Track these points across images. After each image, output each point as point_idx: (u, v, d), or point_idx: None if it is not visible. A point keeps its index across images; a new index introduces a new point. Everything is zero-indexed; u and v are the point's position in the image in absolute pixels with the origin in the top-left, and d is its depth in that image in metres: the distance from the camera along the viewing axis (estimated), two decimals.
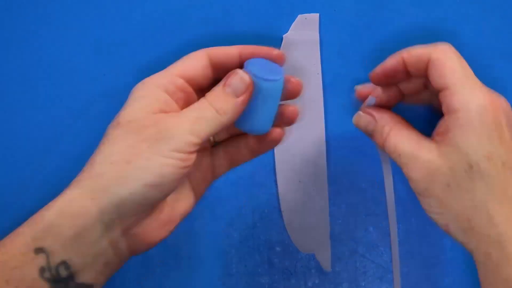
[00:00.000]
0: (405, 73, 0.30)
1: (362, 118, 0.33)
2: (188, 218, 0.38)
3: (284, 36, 0.40)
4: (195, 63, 0.30)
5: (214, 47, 0.30)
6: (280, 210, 0.38)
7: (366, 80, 0.39)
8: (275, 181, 0.38)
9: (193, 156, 0.27)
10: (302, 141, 0.39)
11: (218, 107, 0.28)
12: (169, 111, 0.28)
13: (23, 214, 0.37)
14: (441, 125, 0.29)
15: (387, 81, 0.32)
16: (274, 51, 0.30)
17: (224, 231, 0.38)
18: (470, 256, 0.38)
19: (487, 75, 0.40)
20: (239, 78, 0.29)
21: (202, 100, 0.28)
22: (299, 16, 0.40)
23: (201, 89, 0.30)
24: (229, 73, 0.29)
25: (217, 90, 0.29)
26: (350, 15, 0.40)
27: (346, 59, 0.40)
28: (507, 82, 0.40)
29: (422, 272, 0.38)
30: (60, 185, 0.38)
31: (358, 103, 0.35)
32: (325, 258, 0.37)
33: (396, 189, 0.39)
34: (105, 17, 0.40)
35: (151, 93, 0.28)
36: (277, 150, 0.38)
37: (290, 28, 0.40)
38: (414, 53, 0.29)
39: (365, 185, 0.39)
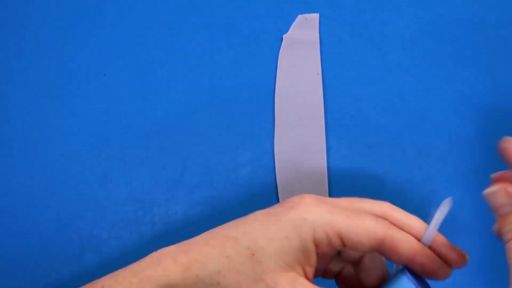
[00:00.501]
0: None
1: (495, 196, 0.26)
2: (188, 218, 0.38)
3: (284, 36, 0.40)
4: (361, 240, 0.25)
5: (392, 235, 0.25)
6: None
7: (366, 80, 0.39)
8: (275, 181, 0.38)
9: None
10: (302, 141, 0.39)
11: None
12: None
13: (23, 214, 0.37)
14: None
15: None
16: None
17: None
18: (471, 257, 0.38)
19: (486, 75, 0.40)
20: None
21: None
22: (299, 16, 0.40)
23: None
24: None
25: None
26: (350, 15, 0.40)
27: (346, 59, 0.40)
28: (506, 80, 0.40)
29: None
30: (60, 185, 0.38)
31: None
32: None
33: (396, 189, 0.39)
34: (105, 17, 0.40)
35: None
36: (277, 150, 0.38)
37: (290, 28, 0.40)
38: None
39: (365, 185, 0.39)
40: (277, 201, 0.38)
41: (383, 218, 0.27)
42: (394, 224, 0.26)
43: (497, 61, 0.40)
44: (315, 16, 0.40)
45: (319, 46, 0.40)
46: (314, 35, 0.40)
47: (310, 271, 0.25)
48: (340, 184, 0.39)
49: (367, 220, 0.25)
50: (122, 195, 0.38)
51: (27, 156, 0.38)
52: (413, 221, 0.27)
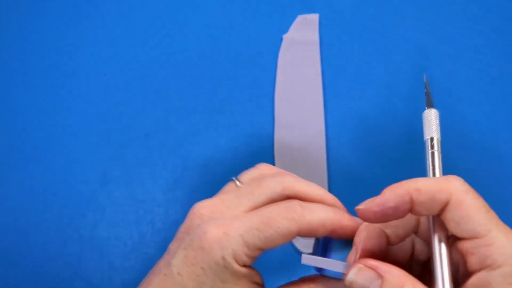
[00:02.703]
0: (406, 212, 0.25)
1: (361, 274, 0.24)
2: None
3: (284, 36, 0.40)
4: (281, 240, 0.26)
5: (306, 223, 0.26)
6: None
7: (366, 80, 0.40)
8: None
9: None
10: (302, 140, 0.39)
11: None
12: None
13: (23, 214, 0.37)
14: (474, 283, 0.23)
15: (384, 219, 0.25)
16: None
17: None
18: None
19: (486, 74, 0.40)
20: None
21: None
22: (299, 16, 0.40)
23: None
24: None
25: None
26: (350, 15, 0.40)
27: (346, 59, 0.40)
28: (506, 80, 0.40)
29: None
30: (60, 185, 0.38)
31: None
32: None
33: None
34: (105, 17, 0.40)
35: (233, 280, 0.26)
36: (277, 150, 0.38)
37: (290, 28, 0.40)
38: (426, 191, 0.24)
39: (365, 185, 0.39)
40: None
41: (291, 196, 0.28)
42: (300, 197, 0.28)
43: (497, 61, 0.40)
44: (315, 16, 0.40)
45: (319, 46, 0.40)
46: (314, 35, 0.40)
47: (257, 280, 0.27)
48: (340, 184, 0.39)
49: (278, 222, 0.26)
50: (122, 195, 0.38)
51: (27, 156, 0.38)
52: (316, 190, 0.29)
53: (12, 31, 0.40)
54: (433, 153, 0.28)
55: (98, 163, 0.38)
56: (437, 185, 0.24)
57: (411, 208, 0.24)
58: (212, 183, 0.38)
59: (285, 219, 0.25)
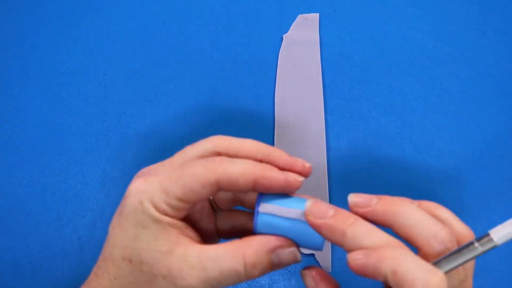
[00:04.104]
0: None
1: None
2: None
3: (284, 36, 0.40)
4: (200, 189, 0.26)
5: (223, 171, 0.26)
6: None
7: (366, 80, 0.39)
8: None
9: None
10: (302, 140, 0.39)
11: (249, 263, 0.25)
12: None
13: (23, 214, 0.37)
14: None
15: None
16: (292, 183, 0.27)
17: None
18: None
19: (486, 74, 0.40)
20: (292, 257, 0.26)
21: (237, 249, 0.26)
22: (299, 16, 0.40)
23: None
24: (279, 243, 0.26)
25: (260, 252, 0.26)
26: (350, 15, 0.40)
27: (346, 59, 0.40)
28: (506, 80, 0.40)
29: None
30: (59, 185, 0.38)
31: None
32: (325, 258, 0.37)
33: (396, 189, 0.39)
34: (105, 18, 0.40)
35: (154, 226, 0.26)
36: None
37: (290, 28, 0.40)
38: (399, 279, 0.22)
39: (365, 185, 0.39)
40: None
41: (223, 153, 0.28)
42: (231, 153, 0.28)
43: (497, 61, 0.40)
44: (315, 16, 0.40)
45: (319, 46, 0.40)
46: (314, 35, 0.40)
47: (191, 234, 0.27)
48: (340, 184, 0.39)
49: (194, 168, 0.26)
50: (122, 195, 0.38)
51: (27, 156, 0.38)
52: (248, 143, 0.28)
53: (12, 31, 0.40)
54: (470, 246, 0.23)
55: (98, 163, 0.38)
56: (412, 275, 0.22)
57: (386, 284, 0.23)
58: None
59: (202, 167, 0.26)
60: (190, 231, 0.26)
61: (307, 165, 0.27)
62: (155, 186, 0.25)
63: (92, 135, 0.38)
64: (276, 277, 0.37)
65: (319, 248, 0.26)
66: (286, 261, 0.26)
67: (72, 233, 0.37)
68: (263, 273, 0.26)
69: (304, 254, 0.38)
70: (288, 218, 0.26)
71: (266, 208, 0.26)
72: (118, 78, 0.39)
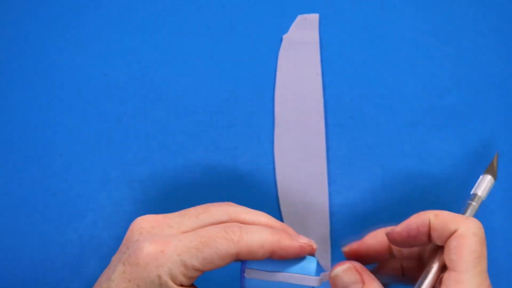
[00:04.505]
0: (426, 235, 0.27)
1: (347, 273, 0.27)
2: None
3: (284, 36, 0.40)
4: (220, 262, 0.26)
5: (244, 244, 0.26)
6: (280, 210, 0.38)
7: (366, 80, 0.40)
8: (275, 181, 0.38)
9: None
10: (302, 141, 0.39)
11: None
12: None
13: (23, 214, 0.37)
14: None
15: (408, 242, 0.27)
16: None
17: None
18: None
19: (486, 74, 0.40)
20: None
21: None
22: (299, 16, 0.40)
23: None
24: None
25: None
26: (350, 15, 0.40)
27: (346, 59, 0.40)
28: (506, 80, 0.40)
29: None
30: (59, 185, 0.38)
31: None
32: (325, 258, 0.37)
33: (396, 189, 0.39)
34: (105, 18, 0.40)
35: None
36: (277, 150, 0.38)
37: (290, 28, 0.40)
38: (442, 218, 0.26)
39: (365, 185, 0.39)
40: (277, 201, 0.38)
41: (233, 221, 0.28)
42: (244, 222, 0.28)
43: (497, 61, 0.40)
44: (315, 16, 0.40)
45: (319, 46, 0.40)
46: (314, 35, 0.40)
47: None
48: (340, 184, 0.39)
49: (217, 242, 0.26)
50: (122, 195, 0.38)
51: (27, 156, 0.38)
52: (262, 218, 0.29)
53: (11, 30, 0.40)
54: (470, 204, 0.32)
55: (98, 163, 0.38)
56: (453, 216, 0.26)
57: (428, 231, 0.26)
58: (212, 183, 0.38)
59: (224, 239, 0.26)
60: None
61: (314, 246, 0.28)
62: (174, 259, 0.25)
63: (92, 135, 0.38)
64: None
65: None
66: None
67: (73, 233, 0.37)
68: None
69: None
70: (274, 282, 0.27)
71: (252, 273, 0.27)
72: (119, 78, 0.39)
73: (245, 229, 0.27)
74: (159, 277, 0.25)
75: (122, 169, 0.38)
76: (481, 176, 0.33)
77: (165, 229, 0.27)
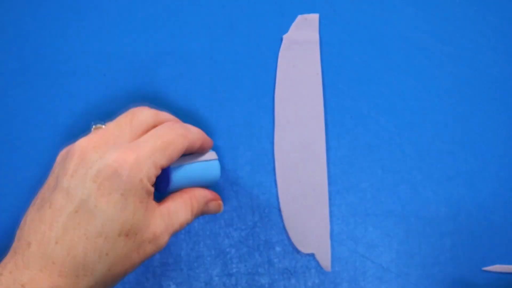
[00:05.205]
0: None
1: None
2: None
3: (284, 36, 0.40)
4: (176, 155, 0.29)
5: (191, 138, 0.30)
6: (280, 210, 0.38)
7: (366, 80, 0.40)
8: (275, 181, 0.38)
9: None
10: (302, 141, 0.39)
11: (194, 213, 0.31)
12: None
13: (23, 214, 0.37)
14: None
15: None
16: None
17: (224, 231, 0.38)
18: (471, 257, 0.38)
19: (486, 75, 0.40)
20: (218, 208, 0.34)
21: (187, 202, 0.31)
22: (299, 16, 0.40)
23: None
24: (212, 197, 0.33)
25: (201, 204, 0.31)
26: (350, 15, 0.40)
27: (346, 59, 0.40)
28: (506, 80, 0.40)
29: (422, 272, 0.38)
30: None
31: None
32: (325, 258, 0.37)
33: (396, 189, 0.39)
34: (105, 18, 0.40)
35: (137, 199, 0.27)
36: (277, 150, 0.38)
37: (290, 29, 0.40)
38: None
39: (365, 185, 0.39)
40: (277, 201, 0.38)
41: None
42: (163, 121, 0.32)
43: (497, 61, 0.40)
44: (315, 16, 0.40)
45: (319, 46, 0.40)
46: (314, 35, 0.40)
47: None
48: (340, 184, 0.39)
49: (177, 141, 0.29)
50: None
51: (27, 156, 0.38)
52: (171, 117, 0.33)
53: (11, 30, 0.40)
54: None
55: None
56: None
57: None
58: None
59: (179, 136, 0.29)
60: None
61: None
62: (148, 162, 0.27)
63: None
64: (276, 277, 0.38)
65: (217, 177, 0.34)
66: (213, 211, 0.33)
67: None
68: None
69: (304, 253, 0.38)
70: (191, 163, 0.32)
71: (175, 163, 0.31)
72: (119, 78, 0.39)
73: (186, 127, 0.31)
74: (141, 181, 0.26)
75: None
76: None
77: (117, 140, 0.28)
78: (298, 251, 0.38)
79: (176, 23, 0.40)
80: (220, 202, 0.34)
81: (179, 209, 0.30)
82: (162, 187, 0.31)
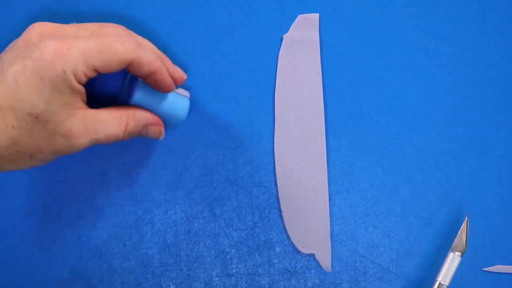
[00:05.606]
0: None
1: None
2: (188, 218, 0.38)
3: (284, 36, 0.40)
4: (116, 66, 0.29)
5: (139, 55, 0.29)
6: (280, 210, 0.38)
7: (366, 80, 0.40)
8: (275, 181, 0.38)
9: None
10: (302, 141, 0.39)
11: (128, 131, 0.31)
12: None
13: (23, 214, 0.37)
14: None
15: None
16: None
17: (224, 231, 0.38)
18: (470, 257, 0.38)
19: (486, 75, 0.40)
20: (158, 134, 0.34)
21: (123, 118, 0.31)
22: (299, 16, 0.40)
23: None
24: (154, 121, 0.33)
25: (138, 125, 0.32)
26: (350, 15, 0.40)
27: (346, 59, 0.40)
28: (506, 80, 0.40)
29: (422, 272, 0.38)
30: (59, 185, 0.38)
31: None
32: (325, 258, 0.37)
33: (396, 189, 0.39)
34: (105, 17, 0.40)
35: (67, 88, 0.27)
36: (277, 150, 0.38)
37: (290, 28, 0.40)
38: None
39: (365, 185, 0.39)
40: (277, 201, 0.38)
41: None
42: None
43: (497, 61, 0.40)
44: (315, 16, 0.40)
45: (319, 46, 0.40)
46: (314, 35, 0.40)
47: (85, 99, 0.30)
48: (340, 184, 0.39)
49: (116, 46, 0.28)
50: (121, 195, 0.38)
51: None
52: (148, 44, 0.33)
53: (11, 30, 0.40)
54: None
55: (98, 163, 0.38)
56: None
57: None
58: (212, 183, 0.38)
59: (123, 46, 0.28)
60: (85, 96, 0.29)
61: (185, 76, 0.35)
62: (78, 58, 0.27)
63: None
64: (276, 277, 0.38)
65: (184, 115, 0.34)
66: (152, 135, 0.33)
67: (72, 233, 0.37)
68: (130, 138, 0.32)
69: (304, 253, 0.38)
70: (161, 93, 0.32)
71: (142, 85, 0.32)
72: (118, 78, 0.39)
73: (141, 44, 0.30)
74: (64, 72, 0.27)
75: (122, 169, 0.38)
76: (450, 254, 0.36)
77: (65, 31, 0.30)
78: (298, 251, 0.38)
79: (176, 23, 0.40)
80: (162, 128, 0.34)
81: (110, 120, 0.30)
82: (127, 99, 0.32)
